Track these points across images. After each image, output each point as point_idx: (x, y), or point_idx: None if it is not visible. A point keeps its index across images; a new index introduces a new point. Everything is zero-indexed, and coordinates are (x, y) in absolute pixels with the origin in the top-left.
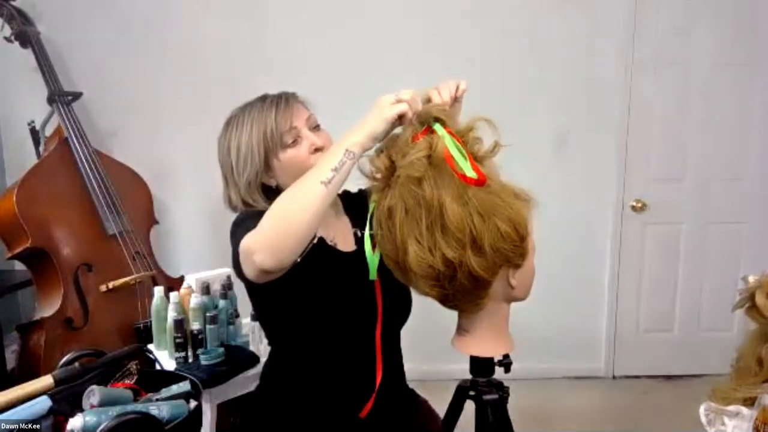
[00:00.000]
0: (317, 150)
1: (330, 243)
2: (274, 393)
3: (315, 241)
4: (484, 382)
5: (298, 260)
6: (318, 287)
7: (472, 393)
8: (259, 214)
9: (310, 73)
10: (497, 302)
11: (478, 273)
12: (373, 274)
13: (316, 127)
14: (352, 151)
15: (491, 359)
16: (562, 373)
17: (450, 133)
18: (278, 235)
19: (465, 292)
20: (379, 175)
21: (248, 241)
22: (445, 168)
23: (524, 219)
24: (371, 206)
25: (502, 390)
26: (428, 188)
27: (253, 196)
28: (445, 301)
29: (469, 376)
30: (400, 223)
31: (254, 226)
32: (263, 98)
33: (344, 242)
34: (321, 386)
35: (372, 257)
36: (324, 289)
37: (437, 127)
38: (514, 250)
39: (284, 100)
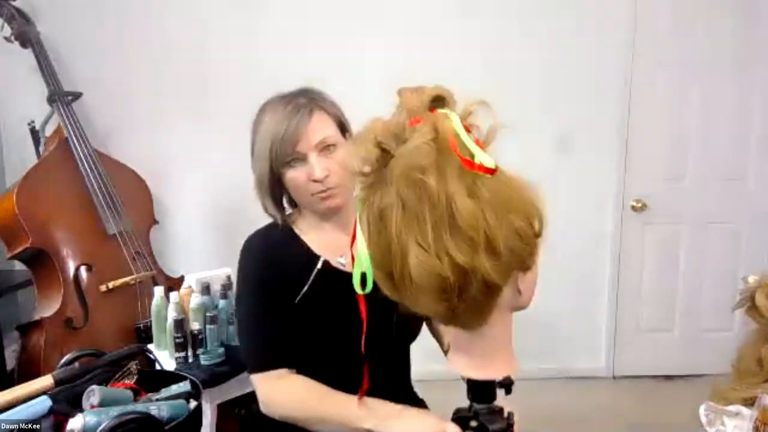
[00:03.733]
0: (315, 181)
1: (337, 264)
2: None
3: (319, 266)
4: (484, 409)
5: (305, 290)
6: (329, 313)
7: (474, 424)
8: (260, 248)
9: (310, 73)
10: (502, 312)
11: (492, 279)
12: (366, 285)
13: (329, 147)
14: None
15: (493, 381)
16: (562, 373)
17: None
18: (288, 418)
19: (474, 304)
20: (367, 168)
21: (269, 399)
22: (453, 155)
23: (540, 212)
24: (358, 206)
25: (507, 417)
26: (433, 179)
27: (263, 199)
28: (450, 318)
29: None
30: (397, 223)
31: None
32: (289, 100)
33: None
34: None
35: (359, 267)
36: (336, 313)
37: (447, 111)
38: (528, 249)
39: (300, 114)
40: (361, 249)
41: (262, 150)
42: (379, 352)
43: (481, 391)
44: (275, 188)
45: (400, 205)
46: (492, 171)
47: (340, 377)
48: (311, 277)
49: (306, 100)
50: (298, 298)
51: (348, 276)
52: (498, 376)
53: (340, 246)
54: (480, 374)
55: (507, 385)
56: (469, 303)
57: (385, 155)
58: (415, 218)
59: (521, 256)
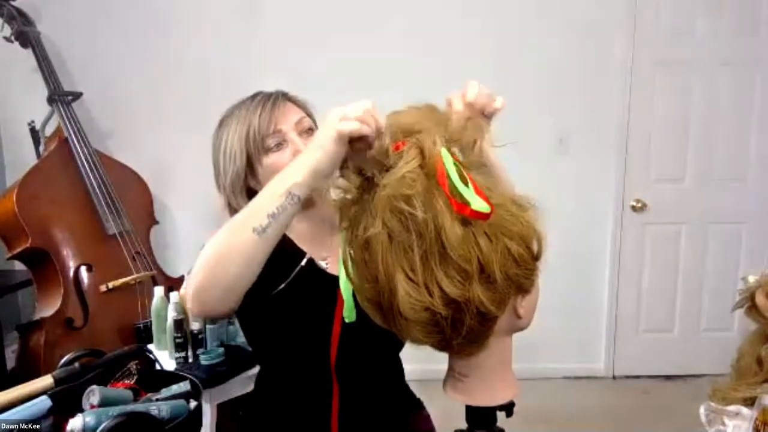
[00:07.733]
0: None
1: (321, 264)
2: (262, 398)
3: (303, 263)
4: None
5: (283, 286)
6: (306, 312)
7: None
8: None
9: (311, 74)
10: (500, 337)
11: (487, 309)
12: (350, 316)
13: (308, 131)
14: (295, 194)
15: (493, 407)
16: (562, 373)
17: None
18: (203, 284)
19: (470, 334)
20: (348, 196)
21: (186, 283)
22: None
23: (538, 234)
24: (341, 234)
25: None
26: (420, 207)
27: (237, 200)
28: (445, 347)
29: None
30: (384, 255)
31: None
32: (254, 96)
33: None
34: (288, 405)
35: (348, 295)
36: (312, 314)
37: (442, 152)
38: (526, 274)
39: (272, 100)
40: (342, 280)
41: (236, 143)
42: (364, 356)
43: (480, 417)
44: (252, 184)
45: (386, 235)
46: (486, 216)
47: (312, 377)
48: (293, 273)
49: (273, 92)
50: (274, 291)
51: (330, 278)
52: (498, 402)
53: (323, 243)
54: (479, 402)
55: (508, 407)
56: (464, 333)
57: (365, 182)
58: (403, 249)
59: (519, 282)
